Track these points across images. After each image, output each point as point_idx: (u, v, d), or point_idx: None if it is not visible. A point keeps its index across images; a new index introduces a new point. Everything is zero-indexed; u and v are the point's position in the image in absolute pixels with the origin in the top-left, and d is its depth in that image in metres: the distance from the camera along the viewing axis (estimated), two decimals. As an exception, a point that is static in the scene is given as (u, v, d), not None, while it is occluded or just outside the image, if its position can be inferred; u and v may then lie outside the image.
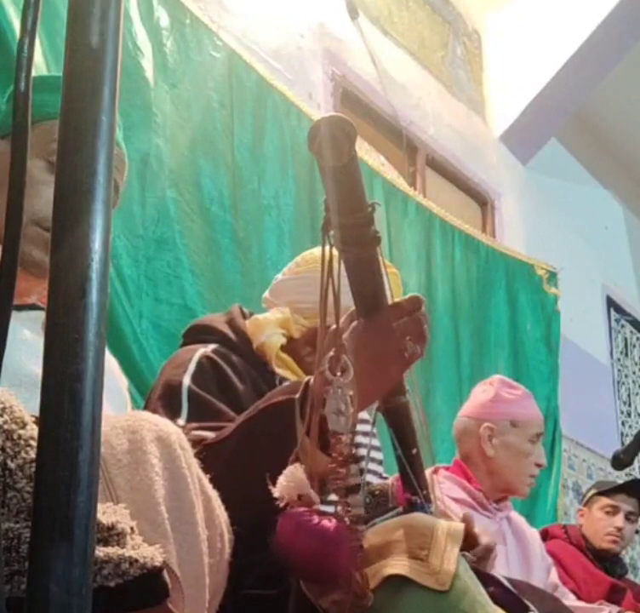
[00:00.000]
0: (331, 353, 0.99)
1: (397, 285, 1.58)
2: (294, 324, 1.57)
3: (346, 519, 0.94)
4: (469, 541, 1.44)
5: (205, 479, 0.98)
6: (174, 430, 0.95)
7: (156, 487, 0.87)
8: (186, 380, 1.41)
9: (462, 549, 1.12)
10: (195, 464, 0.96)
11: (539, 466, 2.38)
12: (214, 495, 0.99)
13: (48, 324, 0.53)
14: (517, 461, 2.34)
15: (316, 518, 0.91)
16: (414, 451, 1.21)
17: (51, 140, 1.21)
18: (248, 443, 1.16)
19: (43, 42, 2.07)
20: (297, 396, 1.11)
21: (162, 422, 0.96)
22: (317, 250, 1.63)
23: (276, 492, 0.93)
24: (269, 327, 1.55)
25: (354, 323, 1.08)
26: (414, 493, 1.23)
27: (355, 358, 1.03)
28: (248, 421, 1.19)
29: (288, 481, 0.93)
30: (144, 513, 0.84)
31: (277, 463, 0.97)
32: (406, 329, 1.09)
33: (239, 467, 1.12)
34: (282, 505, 0.93)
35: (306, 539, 0.90)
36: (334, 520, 0.92)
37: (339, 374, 0.97)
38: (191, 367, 1.43)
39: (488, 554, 1.51)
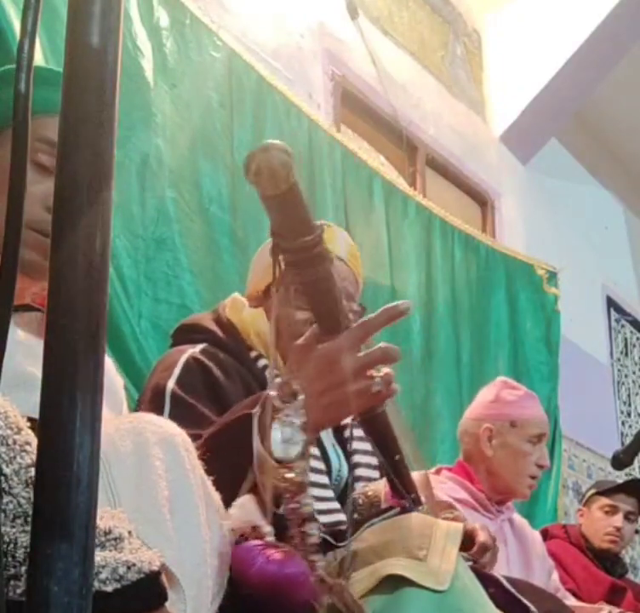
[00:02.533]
0: (282, 379, 0.98)
1: (356, 260, 1.58)
2: (253, 299, 1.60)
3: (302, 550, 0.92)
4: (466, 546, 1.44)
5: (208, 481, 0.97)
6: (178, 432, 0.95)
7: (159, 489, 0.87)
8: (170, 384, 1.41)
9: (461, 550, 1.12)
10: (199, 466, 0.96)
11: (541, 467, 2.38)
12: (216, 497, 0.98)
13: (48, 324, 0.53)
14: (516, 461, 2.34)
15: (269, 552, 0.88)
16: (397, 457, 1.20)
17: (34, 138, 1.15)
18: (213, 456, 1.15)
19: (44, 43, 2.07)
20: (254, 410, 1.09)
21: (166, 424, 0.96)
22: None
23: (227, 525, 0.91)
24: (241, 304, 1.59)
25: (319, 346, 1.05)
26: (402, 497, 1.23)
27: (310, 383, 1.01)
28: (213, 435, 1.18)
29: (240, 513, 0.91)
30: (147, 515, 0.84)
31: (239, 478, 0.98)
32: (375, 358, 1.04)
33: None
34: (236, 538, 0.91)
35: (260, 577, 0.87)
36: (287, 553, 0.89)
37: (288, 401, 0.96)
38: (177, 370, 1.43)
39: (484, 553, 1.51)
